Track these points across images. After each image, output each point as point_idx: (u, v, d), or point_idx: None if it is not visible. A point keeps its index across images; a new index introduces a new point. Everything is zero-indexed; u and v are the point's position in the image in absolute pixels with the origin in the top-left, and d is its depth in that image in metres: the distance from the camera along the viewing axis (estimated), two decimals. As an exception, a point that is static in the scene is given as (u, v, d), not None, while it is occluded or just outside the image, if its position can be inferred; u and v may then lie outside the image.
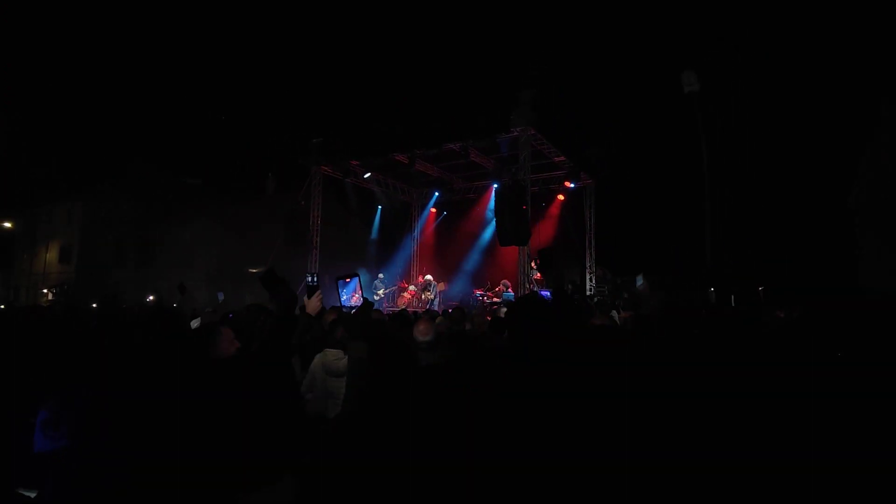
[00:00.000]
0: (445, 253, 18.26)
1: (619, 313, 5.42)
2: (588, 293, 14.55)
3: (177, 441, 1.60)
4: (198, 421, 1.65)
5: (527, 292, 11.99)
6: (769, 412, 1.44)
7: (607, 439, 1.53)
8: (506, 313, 2.02)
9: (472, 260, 17.51)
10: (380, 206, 18.10)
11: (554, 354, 1.79)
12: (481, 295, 14.57)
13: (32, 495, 1.89)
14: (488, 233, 16.83)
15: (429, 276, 15.50)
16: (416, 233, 18.82)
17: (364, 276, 11.99)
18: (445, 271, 17.08)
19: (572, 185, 14.87)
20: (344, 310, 3.78)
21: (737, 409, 1.46)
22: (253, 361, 2.00)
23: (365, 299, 2.99)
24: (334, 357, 3.74)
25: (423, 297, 15.06)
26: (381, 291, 15.52)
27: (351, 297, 3.28)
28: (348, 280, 3.18)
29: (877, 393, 1.27)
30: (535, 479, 1.49)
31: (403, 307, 13.17)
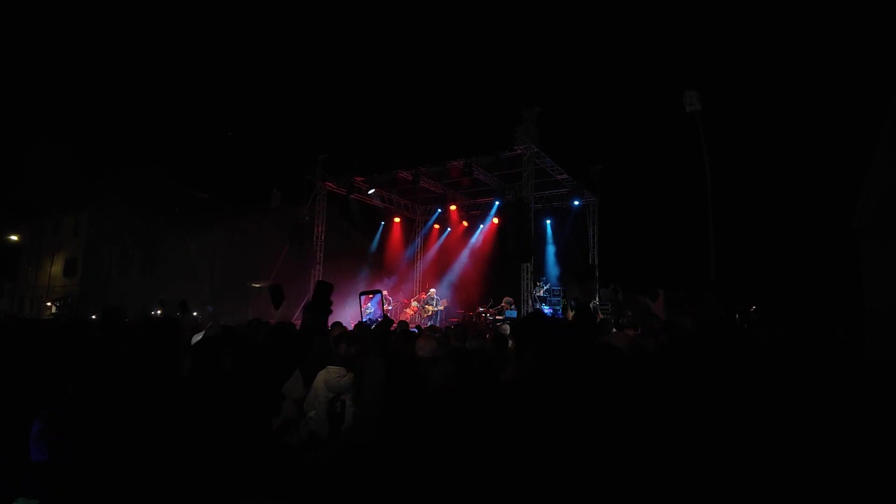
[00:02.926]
0: (448, 269, 18.25)
1: (620, 332, 5.37)
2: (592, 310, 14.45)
3: (161, 457, 1.58)
4: (184, 438, 1.63)
5: (530, 310, 11.94)
6: (773, 426, 1.42)
7: (616, 456, 1.51)
8: (513, 332, 2.01)
9: (475, 276, 17.48)
10: (383, 222, 18.20)
11: (564, 372, 1.78)
12: (484, 311, 14.49)
13: None
14: (491, 249, 16.84)
15: (433, 290, 15.45)
16: (419, 249, 18.85)
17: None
18: (447, 288, 17.04)
19: (576, 203, 14.92)
20: (365, 323, 3.79)
21: (743, 423, 1.45)
22: (251, 377, 1.97)
23: (385, 315, 2.98)
24: (336, 374, 3.72)
25: (424, 310, 14.97)
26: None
27: (374, 310, 3.26)
28: (371, 296, 3.19)
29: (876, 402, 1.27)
30: (546, 497, 1.47)
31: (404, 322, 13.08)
